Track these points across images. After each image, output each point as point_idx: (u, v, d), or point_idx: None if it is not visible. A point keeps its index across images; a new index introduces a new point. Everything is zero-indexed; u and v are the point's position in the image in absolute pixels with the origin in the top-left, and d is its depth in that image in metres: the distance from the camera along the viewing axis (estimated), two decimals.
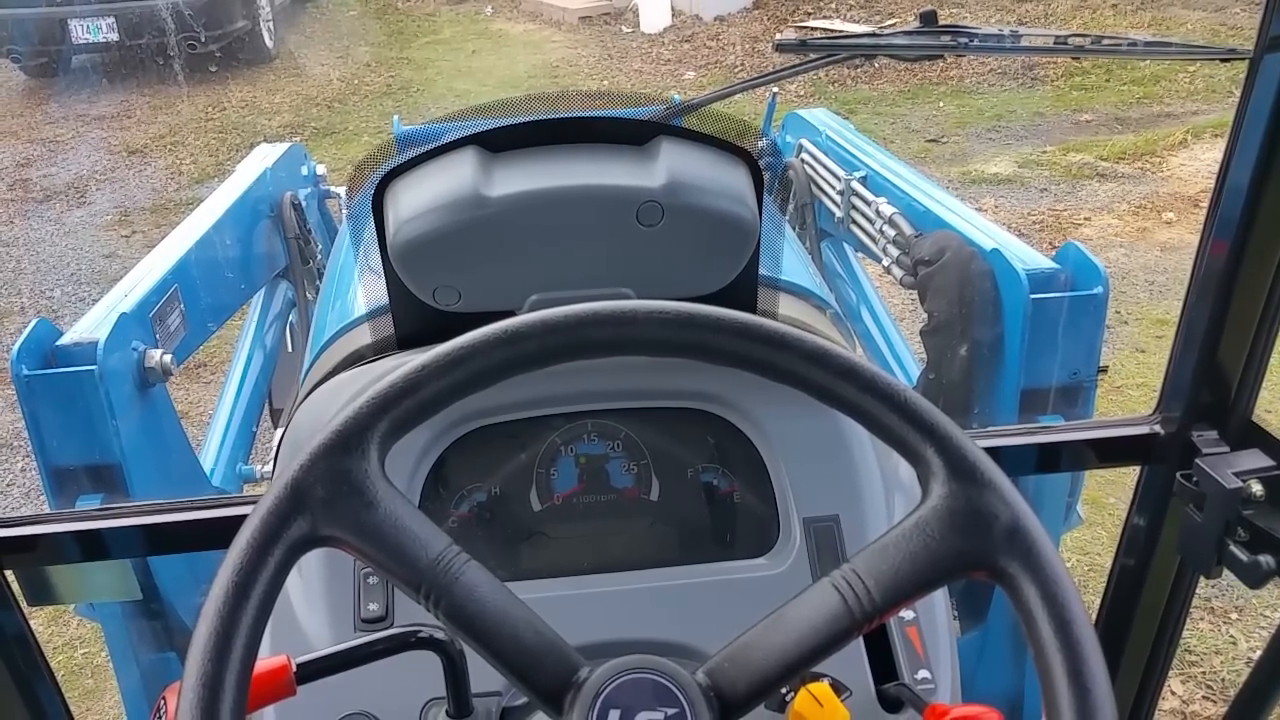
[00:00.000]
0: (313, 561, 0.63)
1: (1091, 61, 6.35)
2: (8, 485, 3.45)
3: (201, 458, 2.02)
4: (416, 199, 0.92)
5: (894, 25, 8.20)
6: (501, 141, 0.93)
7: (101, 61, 8.13)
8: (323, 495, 0.61)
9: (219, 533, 1.14)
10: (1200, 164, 5.44)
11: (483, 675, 0.74)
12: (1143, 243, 4.66)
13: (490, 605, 0.61)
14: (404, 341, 1.06)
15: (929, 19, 1.07)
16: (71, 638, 2.71)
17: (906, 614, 0.94)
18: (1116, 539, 1.32)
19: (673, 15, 8.88)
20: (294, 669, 0.73)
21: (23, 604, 1.19)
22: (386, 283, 1.00)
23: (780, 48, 1.10)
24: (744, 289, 1.03)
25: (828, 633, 0.61)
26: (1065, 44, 1.02)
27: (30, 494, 3.38)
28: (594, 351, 0.68)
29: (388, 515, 0.62)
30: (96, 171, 6.46)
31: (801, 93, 6.57)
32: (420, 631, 0.76)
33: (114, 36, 7.60)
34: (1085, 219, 4.93)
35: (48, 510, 1.45)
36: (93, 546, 1.15)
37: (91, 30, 7.59)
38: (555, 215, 0.92)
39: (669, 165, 0.92)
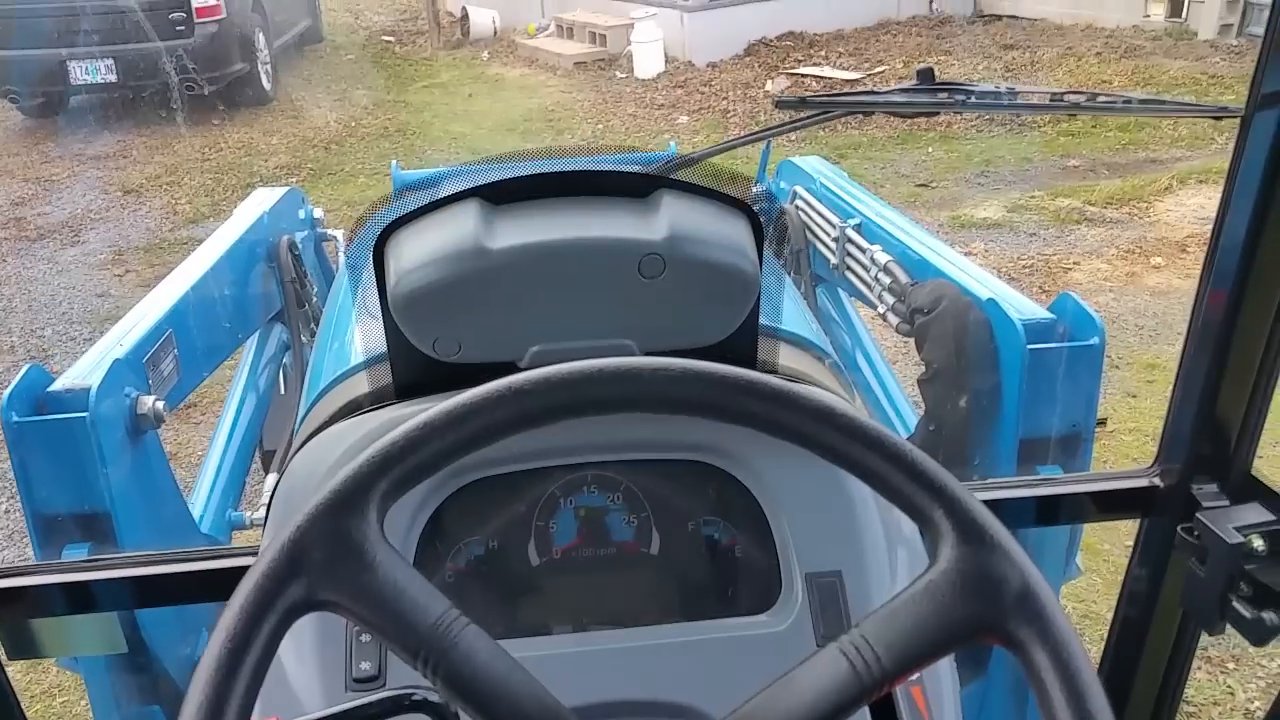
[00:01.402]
0: (305, 619, 0.62)
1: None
2: None
3: (191, 502, 2.00)
4: (418, 250, 0.92)
5: (883, 73, 8.32)
6: (503, 194, 0.93)
7: (100, 102, 8.19)
8: (320, 558, 0.60)
9: (209, 585, 1.12)
10: (1186, 209, 5.51)
11: None
12: (1132, 287, 4.69)
13: (488, 671, 0.60)
14: (402, 391, 1.05)
15: (926, 76, 1.09)
16: (50, 685, 2.66)
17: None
18: (1112, 587, 1.31)
19: (666, 61, 9.01)
20: None
21: (2, 658, 1.17)
22: (385, 332, 0.99)
23: (780, 105, 1.11)
24: (745, 340, 1.02)
25: (836, 700, 0.60)
26: (1061, 101, 1.03)
27: (13, 536, 3.34)
28: (598, 409, 0.67)
29: (386, 578, 0.60)
30: (91, 211, 6.48)
31: (794, 139, 6.64)
32: (414, 694, 0.75)
33: (113, 78, 7.68)
34: (1074, 263, 4.97)
35: (33, 560, 1.42)
36: (79, 598, 1.13)
37: (90, 71, 7.67)
38: (557, 267, 0.92)
39: (670, 218, 0.92)
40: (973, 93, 1.06)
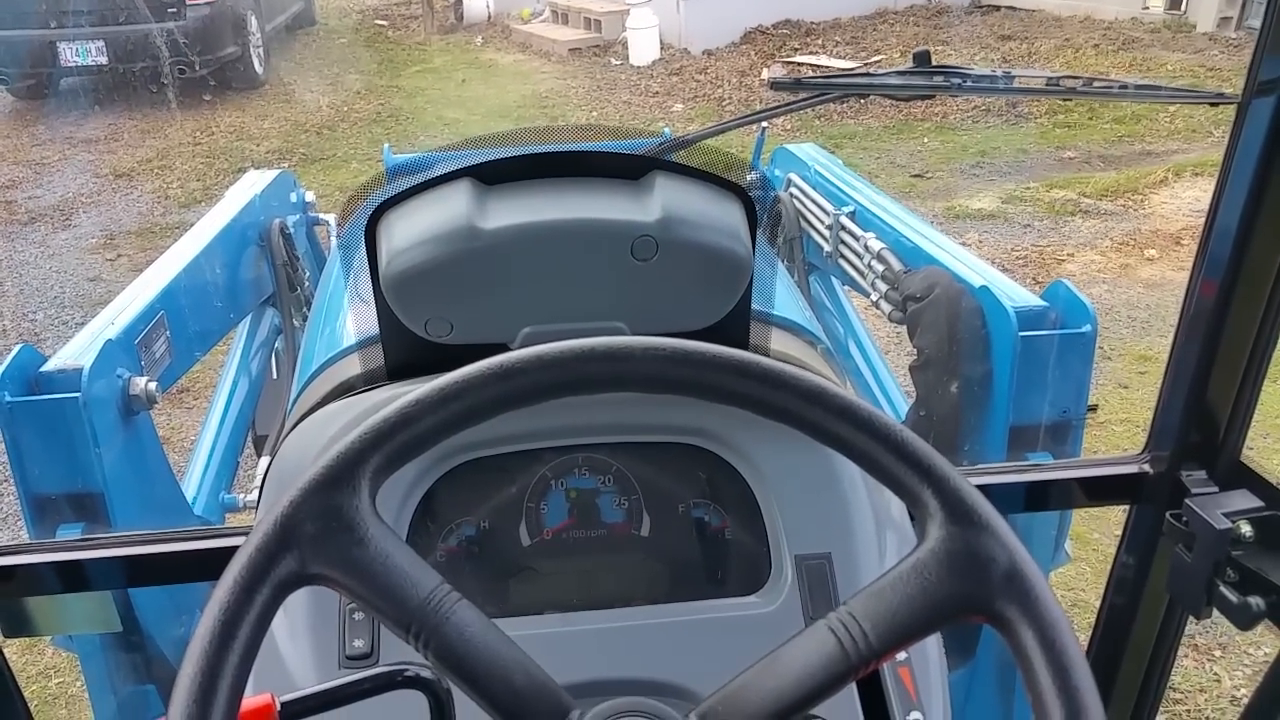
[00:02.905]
0: (298, 596, 0.62)
1: (1076, 100, 6.45)
2: None
3: (184, 485, 2.00)
4: (410, 230, 0.92)
5: (880, 62, 8.32)
6: (496, 174, 0.93)
7: (90, 84, 8.14)
8: (312, 532, 0.60)
9: (202, 564, 1.12)
10: (1181, 202, 5.52)
11: (470, 715, 0.73)
12: (1125, 279, 4.71)
13: (480, 646, 0.60)
14: (394, 372, 1.05)
15: (922, 59, 1.09)
16: (46, 666, 2.66)
17: (899, 655, 0.93)
18: (1101, 576, 1.32)
19: (661, 49, 8.98)
20: (278, 708, 0.72)
21: None
22: (377, 313, 0.99)
23: (775, 86, 1.11)
24: (737, 324, 1.02)
25: (824, 676, 0.60)
26: (1057, 85, 1.03)
27: (8, 519, 3.33)
28: (589, 388, 0.67)
29: (378, 553, 0.61)
30: (83, 194, 6.44)
31: (789, 127, 6.64)
32: (407, 670, 0.75)
33: (103, 60, 7.62)
34: (1069, 255, 4.98)
35: (26, 539, 1.42)
36: (73, 577, 1.13)
37: (80, 53, 7.60)
38: (549, 248, 0.92)
39: (664, 200, 0.92)
40: (969, 76, 1.06)
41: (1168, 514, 1.14)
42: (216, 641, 0.56)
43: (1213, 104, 1.04)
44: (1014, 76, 1.07)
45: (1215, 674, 2.49)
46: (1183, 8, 8.63)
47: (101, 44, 7.56)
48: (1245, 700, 2.39)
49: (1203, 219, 1.07)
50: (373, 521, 0.61)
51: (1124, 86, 1.05)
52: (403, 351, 1.02)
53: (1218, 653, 2.55)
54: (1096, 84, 1.04)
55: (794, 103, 1.17)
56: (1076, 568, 2.77)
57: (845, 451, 0.67)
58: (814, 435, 0.67)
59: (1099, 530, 2.89)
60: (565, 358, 0.66)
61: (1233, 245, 1.05)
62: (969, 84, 1.08)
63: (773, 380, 0.66)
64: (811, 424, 0.67)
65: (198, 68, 7.69)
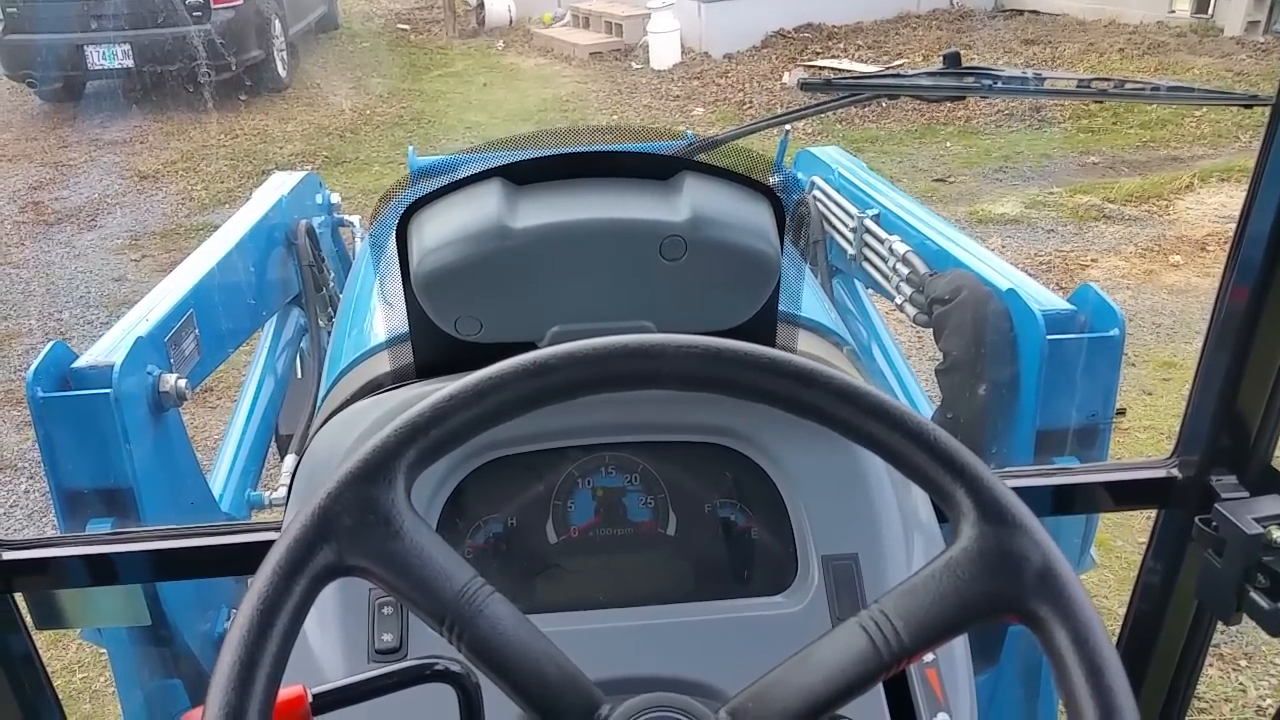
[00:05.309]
0: (327, 590, 0.63)
1: (1100, 104, 6.41)
2: (10, 507, 3.44)
3: (210, 483, 2.01)
4: (441, 230, 0.93)
5: (902, 65, 8.29)
6: (526, 174, 0.94)
7: (117, 88, 8.24)
8: (349, 524, 0.61)
9: (230, 559, 1.13)
10: (1206, 208, 5.47)
11: (498, 708, 0.73)
12: (1150, 285, 4.67)
13: (513, 639, 0.61)
14: (423, 370, 1.06)
15: (952, 60, 1.08)
16: (70, 661, 2.69)
17: (926, 656, 0.93)
18: (1124, 582, 1.31)
19: (682, 53, 8.99)
20: (310, 700, 0.72)
21: (30, 627, 1.19)
22: (407, 312, 1.00)
23: (804, 86, 1.11)
24: (764, 325, 1.03)
25: (854, 674, 0.60)
26: (1088, 87, 1.03)
27: (34, 515, 3.37)
28: (622, 385, 0.67)
29: (413, 545, 0.61)
30: (108, 196, 6.51)
31: (810, 130, 6.63)
32: (437, 664, 0.76)
33: (129, 63, 7.71)
34: (1092, 260, 4.95)
35: (57, 533, 1.44)
36: (103, 571, 1.15)
37: (107, 56, 7.70)
38: (579, 248, 0.93)
39: (693, 200, 0.92)
40: (999, 78, 1.06)
41: (1197, 519, 1.13)
42: (255, 631, 0.56)
43: (1246, 106, 1.03)
44: (1044, 78, 1.07)
45: (1241, 684, 2.47)
46: (1209, 11, 8.55)
47: (128, 47, 7.65)
48: (1271, 710, 2.37)
49: (1229, 225, 1.06)
50: (408, 515, 0.62)
51: (1155, 88, 1.04)
52: (432, 349, 1.03)
53: (1243, 662, 2.53)
54: (1128, 86, 1.04)
55: (824, 103, 1.17)
56: (1100, 574, 2.75)
57: (877, 450, 0.67)
58: (846, 434, 0.67)
59: (1122, 537, 2.87)
60: (599, 355, 0.66)
61: (1265, 250, 1.04)
62: (999, 85, 1.08)
63: (805, 378, 0.66)
64: (844, 422, 0.67)
65: (234, 68, 7.77)
